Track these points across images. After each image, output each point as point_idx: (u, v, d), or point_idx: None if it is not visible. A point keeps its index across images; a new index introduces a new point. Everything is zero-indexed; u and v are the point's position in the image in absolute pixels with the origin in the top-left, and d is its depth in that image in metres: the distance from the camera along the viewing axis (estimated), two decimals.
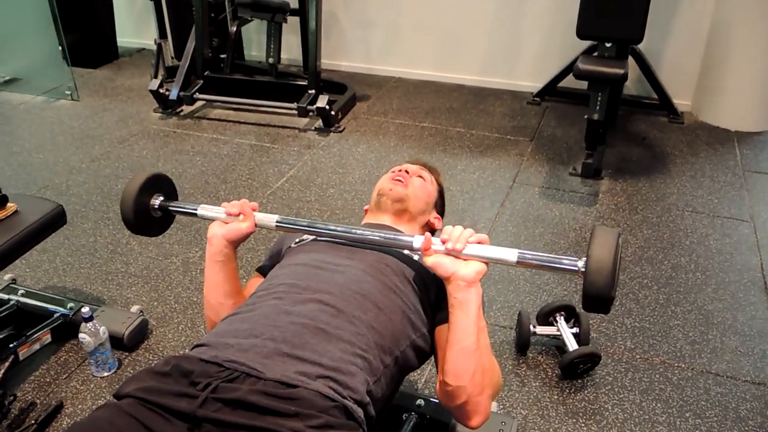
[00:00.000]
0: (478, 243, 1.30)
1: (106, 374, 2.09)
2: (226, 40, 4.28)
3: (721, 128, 3.84)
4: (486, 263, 1.29)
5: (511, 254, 1.28)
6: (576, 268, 1.23)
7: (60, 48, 4.21)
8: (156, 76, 4.38)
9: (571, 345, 2.09)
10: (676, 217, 2.96)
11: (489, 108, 4.17)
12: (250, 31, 4.86)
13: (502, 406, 1.96)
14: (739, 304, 2.39)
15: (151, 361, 2.15)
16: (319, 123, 3.89)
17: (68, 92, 4.32)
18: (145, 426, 1.04)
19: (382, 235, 1.39)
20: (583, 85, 3.14)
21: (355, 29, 4.70)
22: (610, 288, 1.16)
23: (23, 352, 2.10)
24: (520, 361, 2.15)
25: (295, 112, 3.83)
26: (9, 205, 1.99)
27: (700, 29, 3.88)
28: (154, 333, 2.27)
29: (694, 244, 2.75)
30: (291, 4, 4.02)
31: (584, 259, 1.21)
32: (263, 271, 1.54)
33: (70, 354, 2.18)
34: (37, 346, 2.15)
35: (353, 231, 1.41)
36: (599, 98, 3.07)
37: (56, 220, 2.10)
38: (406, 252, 1.43)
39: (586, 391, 2.02)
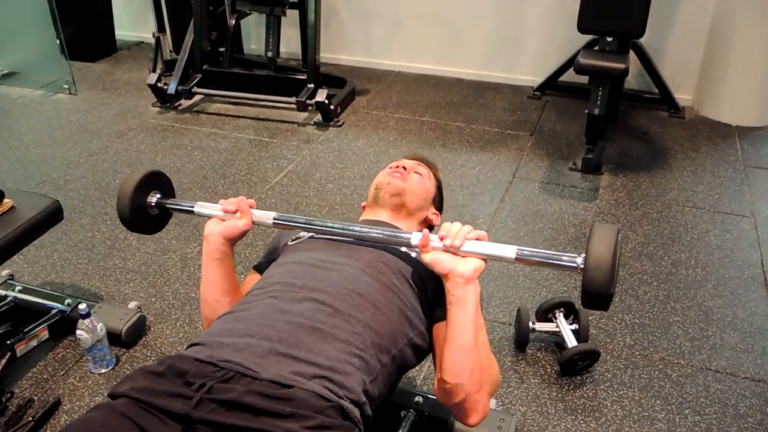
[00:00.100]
0: (477, 239, 1.29)
1: (103, 371, 2.08)
2: (224, 33, 4.26)
3: (722, 123, 3.83)
4: (484, 260, 1.28)
5: (509, 251, 1.27)
6: (575, 265, 1.22)
7: (58, 41, 4.19)
8: (154, 70, 4.35)
9: (570, 342, 2.08)
10: (676, 212, 2.95)
11: (489, 102, 4.15)
12: (249, 25, 4.84)
13: (500, 403, 1.95)
14: (739, 301, 2.38)
15: (148, 358, 2.14)
16: (318, 117, 3.88)
17: (66, 86, 4.30)
18: (139, 427, 1.03)
19: (380, 231, 1.38)
20: (584, 79, 3.13)
21: (354, 23, 4.68)
22: (609, 285, 1.15)
23: (20, 349, 2.09)
24: (519, 357, 2.14)
25: (294, 106, 3.82)
26: (5, 201, 1.98)
27: (702, 23, 3.86)
28: (152, 329, 2.26)
29: (694, 239, 2.74)
30: None
31: (583, 255, 1.20)
32: (260, 268, 1.53)
33: (68, 350, 2.17)
34: (34, 343, 2.14)
35: (351, 228, 1.40)
36: (600, 93, 3.05)
37: (53, 216, 2.09)
38: (403, 249, 1.42)
39: (585, 388, 2.01)
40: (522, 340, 2.14)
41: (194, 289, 2.43)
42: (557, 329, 2.15)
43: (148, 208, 1.54)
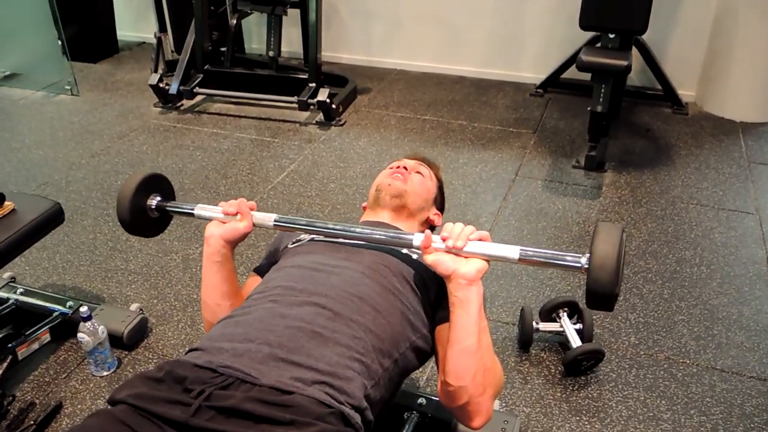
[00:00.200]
0: (479, 240, 1.27)
1: (105, 373, 2.07)
2: (226, 33, 4.26)
3: (726, 119, 3.80)
4: (487, 261, 1.27)
5: (512, 251, 1.26)
6: (579, 265, 1.21)
7: (59, 42, 4.19)
8: (156, 71, 4.35)
9: (575, 341, 2.07)
10: (680, 210, 2.93)
11: (491, 100, 4.13)
12: (250, 24, 4.83)
13: (504, 404, 1.94)
14: (745, 299, 2.36)
15: (150, 360, 2.14)
16: (320, 116, 3.86)
17: (68, 87, 4.30)
18: None
19: (381, 233, 1.37)
20: (587, 76, 3.11)
21: (355, 21, 4.66)
22: (614, 285, 1.13)
23: (22, 352, 2.09)
24: (523, 358, 2.12)
25: (296, 105, 3.81)
26: (6, 203, 1.97)
27: (705, 19, 3.84)
28: (154, 331, 2.25)
29: (698, 237, 2.72)
30: None
31: (587, 255, 1.18)
32: (260, 271, 1.52)
33: (70, 353, 2.16)
34: (36, 346, 2.13)
35: (352, 230, 1.39)
36: (602, 90, 3.03)
37: (54, 218, 2.08)
38: (405, 250, 1.41)
39: (589, 389, 2.00)
40: (526, 340, 2.13)
41: (196, 290, 2.43)
42: (561, 329, 2.14)
43: (148, 210, 1.53)
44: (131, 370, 2.09)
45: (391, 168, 1.63)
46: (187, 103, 4.11)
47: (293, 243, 1.49)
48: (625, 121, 3.81)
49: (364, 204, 1.68)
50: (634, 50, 3.68)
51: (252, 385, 1.08)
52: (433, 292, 1.37)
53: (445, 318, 1.30)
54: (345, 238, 1.41)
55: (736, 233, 2.74)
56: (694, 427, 1.86)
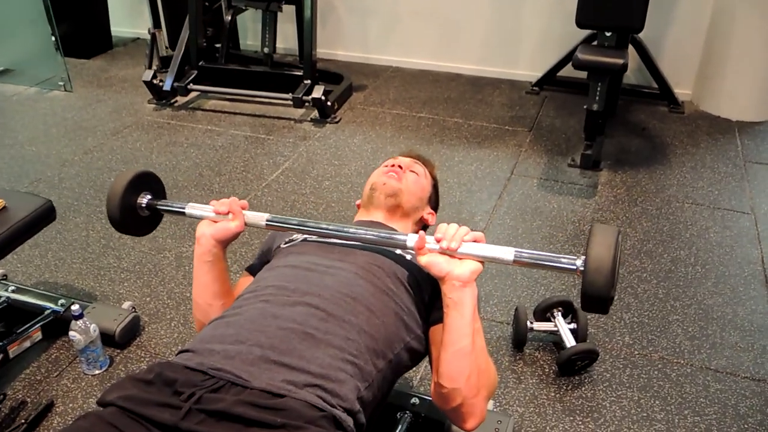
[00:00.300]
0: (474, 241, 1.25)
1: (97, 372, 2.06)
2: (220, 29, 4.23)
3: (722, 118, 3.80)
4: (481, 262, 1.26)
5: (507, 253, 1.24)
6: (574, 267, 1.20)
7: (53, 38, 4.16)
8: (150, 67, 4.33)
9: (569, 341, 2.06)
10: (675, 209, 2.92)
11: (487, 98, 4.12)
12: (245, 20, 4.80)
13: (498, 404, 1.93)
14: (740, 299, 2.36)
15: (143, 359, 2.12)
16: (315, 114, 3.85)
17: (61, 83, 4.27)
18: None
19: (375, 233, 1.35)
20: (583, 74, 3.10)
21: (351, 18, 4.65)
22: (609, 288, 1.13)
23: (13, 350, 2.07)
24: (517, 357, 2.12)
25: (291, 102, 3.79)
26: None
27: (701, 18, 3.83)
28: (146, 329, 2.24)
29: (693, 236, 2.72)
30: None
31: (583, 257, 1.17)
32: (252, 270, 1.51)
33: (61, 351, 2.15)
34: (27, 344, 2.12)
35: (345, 230, 1.37)
36: (599, 88, 3.02)
37: (45, 216, 2.06)
38: (398, 251, 1.40)
39: (583, 388, 1.99)
40: (520, 339, 2.12)
41: (189, 288, 2.41)
42: (555, 329, 2.13)
43: (138, 209, 1.51)
44: (123, 369, 2.08)
45: (386, 166, 1.62)
46: (181, 99, 4.09)
47: (286, 243, 1.48)
48: (621, 120, 3.81)
49: (358, 202, 1.67)
50: (631, 48, 3.68)
51: (243, 388, 1.06)
52: (427, 293, 1.36)
53: (439, 319, 1.28)
54: (338, 239, 1.40)
55: (731, 233, 2.74)
56: (688, 427, 1.86)
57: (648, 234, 2.74)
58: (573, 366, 2.02)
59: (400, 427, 1.66)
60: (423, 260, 1.25)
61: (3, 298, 2.22)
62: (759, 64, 3.65)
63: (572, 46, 3.73)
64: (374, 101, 4.09)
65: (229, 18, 4.22)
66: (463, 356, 1.22)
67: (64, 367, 2.09)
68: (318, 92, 3.69)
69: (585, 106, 3.10)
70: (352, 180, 3.16)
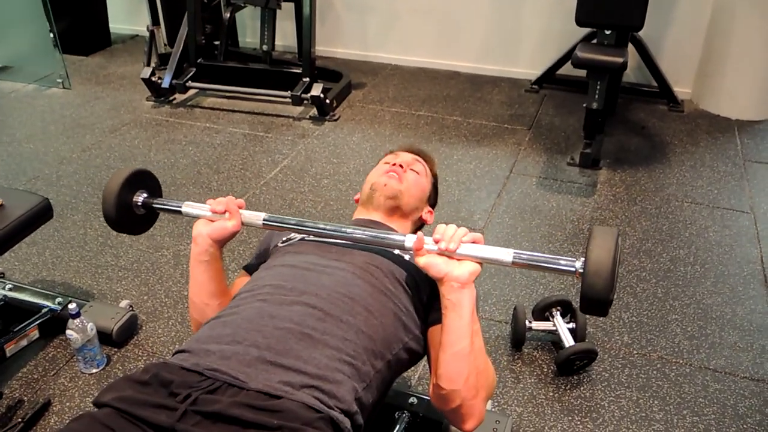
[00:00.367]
0: (472, 242, 1.24)
1: (94, 371, 2.05)
2: (219, 26, 4.22)
3: (722, 117, 3.79)
4: (480, 263, 1.25)
5: (506, 254, 1.23)
6: (573, 269, 1.19)
7: (51, 35, 4.14)
8: (148, 64, 4.32)
9: (568, 341, 2.05)
10: (675, 208, 2.92)
11: (486, 96, 4.11)
12: (244, 17, 4.79)
13: (496, 403, 1.93)
14: (739, 298, 2.35)
15: (140, 357, 2.12)
16: (314, 111, 3.84)
17: (60, 80, 4.26)
18: None
19: (373, 234, 1.34)
20: (582, 72, 3.09)
21: (350, 15, 4.63)
22: (609, 291, 1.12)
23: (10, 349, 2.07)
24: (516, 357, 2.11)
25: (290, 100, 3.78)
26: None
27: (701, 16, 3.83)
28: (144, 328, 2.23)
29: (693, 235, 2.71)
30: None
31: (582, 259, 1.17)
32: (250, 269, 1.50)
33: (59, 350, 2.14)
34: (24, 342, 2.12)
35: (342, 230, 1.36)
36: (598, 87, 3.01)
37: (42, 214, 2.05)
38: (396, 252, 1.39)
39: (582, 388, 1.99)
40: (518, 339, 2.12)
41: (187, 287, 2.36)
42: (554, 328, 2.13)
43: (134, 207, 1.50)
44: (120, 368, 2.07)
45: (387, 163, 1.60)
46: (179, 97, 4.08)
47: (283, 242, 1.47)
48: (620, 118, 3.80)
49: (356, 196, 1.65)
50: (630, 47, 3.67)
51: (239, 389, 1.06)
52: (425, 294, 1.35)
53: (438, 319, 1.28)
54: (336, 239, 1.39)
55: (730, 232, 2.73)
56: (687, 427, 1.86)
57: (647, 233, 2.73)
58: (572, 366, 2.01)
59: (398, 426, 1.66)
60: (421, 261, 1.24)
61: (0, 297, 2.21)
62: (759, 62, 3.64)
63: (572, 45, 3.72)
64: (373, 99, 4.08)
65: (228, 15, 4.21)
66: (461, 358, 1.21)
67: (61, 365, 2.08)
68: (317, 90, 3.68)
69: (584, 105, 3.10)
70: (350, 178, 3.15)
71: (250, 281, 1.37)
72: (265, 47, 4.05)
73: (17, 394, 1.96)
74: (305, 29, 3.82)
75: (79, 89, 4.25)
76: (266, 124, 3.75)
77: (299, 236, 1.46)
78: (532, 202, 2.96)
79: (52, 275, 2.50)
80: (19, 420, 1.85)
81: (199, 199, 2.85)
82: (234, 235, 1.41)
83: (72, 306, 1.96)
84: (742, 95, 3.76)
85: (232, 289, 1.47)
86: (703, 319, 2.25)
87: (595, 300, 1.13)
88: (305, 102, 3.77)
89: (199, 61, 4.07)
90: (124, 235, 2.67)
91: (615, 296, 2.15)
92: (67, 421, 1.27)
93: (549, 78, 4.15)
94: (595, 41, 3.31)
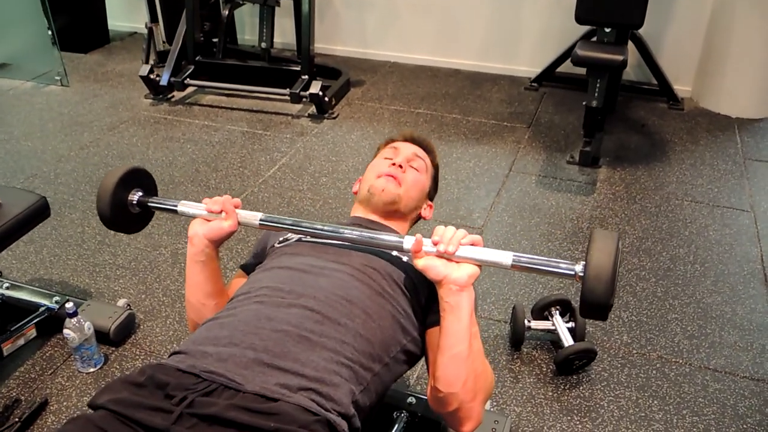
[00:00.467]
0: (471, 245, 1.23)
1: (92, 370, 2.04)
2: (218, 23, 4.20)
3: (722, 115, 3.78)
4: (479, 266, 1.23)
5: (505, 257, 1.22)
6: (573, 273, 1.18)
7: (49, 32, 4.12)
8: (147, 61, 4.30)
9: (567, 340, 2.04)
10: (675, 206, 2.91)
11: (486, 94, 4.10)
12: (242, 15, 4.78)
13: (495, 403, 1.92)
14: (739, 297, 2.34)
15: (137, 356, 2.11)
16: (313, 109, 3.83)
17: (58, 78, 4.24)
18: None
19: (371, 235, 1.33)
20: (582, 70, 3.08)
21: (349, 13, 4.62)
22: (609, 296, 1.11)
23: (7, 348, 2.06)
24: (515, 356, 2.10)
25: (288, 98, 3.76)
26: None
27: (701, 14, 3.81)
28: (142, 327, 2.22)
29: (693, 234, 2.71)
30: None
31: (582, 263, 1.16)
32: (247, 269, 1.49)
33: (56, 349, 2.13)
34: (21, 341, 2.11)
35: (340, 231, 1.35)
36: (598, 85, 3.00)
37: (39, 212, 2.04)
38: (395, 253, 1.37)
39: (581, 388, 1.98)
40: (517, 338, 2.11)
41: (185, 285, 2.38)
42: (553, 327, 2.12)
43: (129, 206, 1.49)
44: (118, 367, 2.06)
45: (386, 158, 1.57)
46: (178, 94, 4.07)
47: (280, 242, 1.46)
48: (620, 116, 3.79)
49: (354, 188, 1.63)
50: (630, 44, 3.66)
51: (236, 392, 1.05)
52: (423, 296, 1.34)
53: (436, 322, 1.27)
54: (333, 240, 1.37)
55: (730, 231, 2.72)
56: (687, 427, 1.85)
57: (647, 232, 2.73)
58: (571, 365, 2.00)
59: (396, 426, 1.65)
60: (420, 263, 1.23)
61: None
62: (759, 61, 3.63)
63: (571, 42, 3.70)
64: (372, 97, 4.06)
65: (227, 12, 4.19)
66: (460, 361, 1.20)
67: (59, 365, 2.07)
68: (315, 88, 3.67)
69: (584, 103, 3.09)
70: (349, 176, 3.14)
71: (246, 283, 1.36)
72: (263, 45, 4.04)
73: (14, 394, 1.95)
74: (304, 26, 3.80)
75: (78, 87, 4.24)
76: (265, 122, 3.74)
77: (296, 236, 1.45)
78: (531, 201, 2.95)
79: (50, 274, 2.49)
80: (16, 419, 1.84)
81: (198, 197, 2.85)
82: (230, 236, 1.40)
83: (69, 305, 1.95)
84: (742, 93, 3.75)
85: (229, 289, 1.46)
86: (703, 319, 2.24)
87: (595, 304, 1.12)
88: (304, 100, 3.76)
89: (197, 58, 4.06)
90: (122, 234, 2.67)
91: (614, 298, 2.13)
92: (64, 422, 1.27)
93: (549, 76, 4.14)
94: (595, 39, 3.30)
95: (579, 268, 1.16)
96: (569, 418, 1.88)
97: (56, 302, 2.17)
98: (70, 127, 3.68)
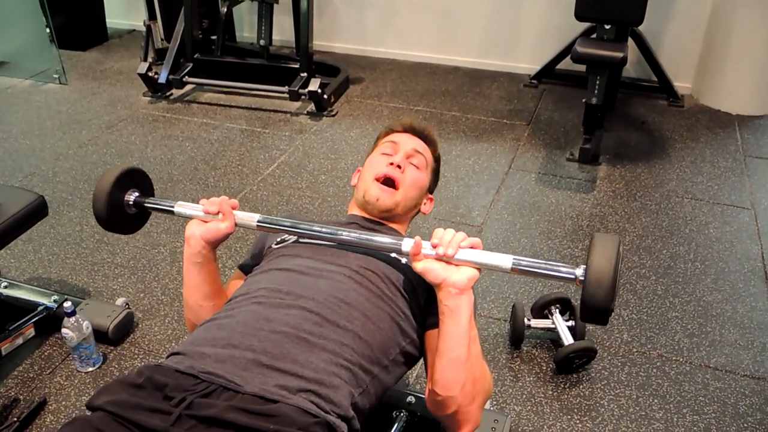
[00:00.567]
0: (471, 247, 1.22)
1: (90, 369, 2.04)
2: (216, 21, 4.19)
3: (722, 112, 3.77)
4: (479, 269, 1.22)
5: (505, 260, 1.21)
6: (573, 277, 1.16)
7: (48, 30, 4.12)
8: (145, 59, 4.29)
9: (567, 339, 2.04)
10: (675, 204, 2.90)
11: (485, 91, 4.09)
12: (241, 12, 4.76)
13: (494, 402, 1.91)
14: (739, 295, 2.34)
15: (136, 355, 2.10)
16: (312, 107, 3.82)
17: (56, 76, 4.23)
18: None
19: (369, 238, 1.31)
20: (582, 67, 3.06)
21: (348, 10, 4.60)
22: (610, 301, 1.10)
23: (6, 347, 2.06)
24: (514, 355, 2.10)
25: (287, 95, 3.75)
26: None
27: (702, 10, 3.80)
28: (140, 326, 2.22)
29: (693, 232, 2.70)
30: None
31: (583, 267, 1.14)
32: (245, 269, 1.48)
33: (54, 348, 2.13)
34: (20, 341, 2.10)
35: (338, 233, 1.33)
36: (598, 82, 2.99)
37: (37, 211, 2.03)
38: (393, 255, 1.36)
39: (581, 386, 1.98)
40: (517, 336, 2.10)
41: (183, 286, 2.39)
42: (553, 326, 2.11)
43: (125, 207, 1.48)
44: (117, 366, 2.05)
45: (385, 154, 1.52)
46: (176, 92, 4.05)
47: (277, 243, 1.44)
48: (620, 113, 3.78)
49: (353, 181, 1.60)
50: (630, 41, 3.65)
51: (235, 393, 1.04)
52: (422, 297, 1.33)
53: (435, 324, 1.25)
54: (331, 242, 1.36)
55: (731, 228, 2.72)
56: (687, 426, 1.84)
57: (647, 229, 2.72)
58: (571, 364, 2.00)
59: (396, 425, 1.64)
60: (419, 266, 1.21)
61: None
62: (759, 57, 3.62)
63: (571, 39, 3.69)
64: (371, 94, 4.05)
65: (225, 10, 4.18)
66: (458, 365, 1.19)
67: (57, 364, 2.06)
68: (314, 85, 3.66)
69: (584, 100, 3.08)
70: (348, 174, 3.13)
71: (244, 284, 1.35)
72: (262, 42, 4.03)
73: (13, 393, 1.95)
74: (302, 23, 3.79)
75: (76, 85, 4.23)
76: (263, 120, 3.73)
77: (294, 237, 1.43)
78: (531, 198, 2.94)
79: (48, 272, 2.48)
80: (15, 419, 1.84)
81: (196, 195, 2.85)
82: (227, 237, 1.38)
83: (67, 304, 1.94)
84: (742, 90, 3.74)
85: (228, 289, 1.45)
86: (704, 317, 2.24)
87: (595, 309, 1.11)
88: (303, 97, 3.75)
89: (196, 56, 4.04)
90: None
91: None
92: (61, 425, 1.26)
93: (548, 73, 4.13)
94: (594, 36, 3.29)
95: (579, 272, 1.15)
96: (569, 417, 1.87)
97: (54, 301, 2.17)
98: (69, 125, 3.67)
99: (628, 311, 2.27)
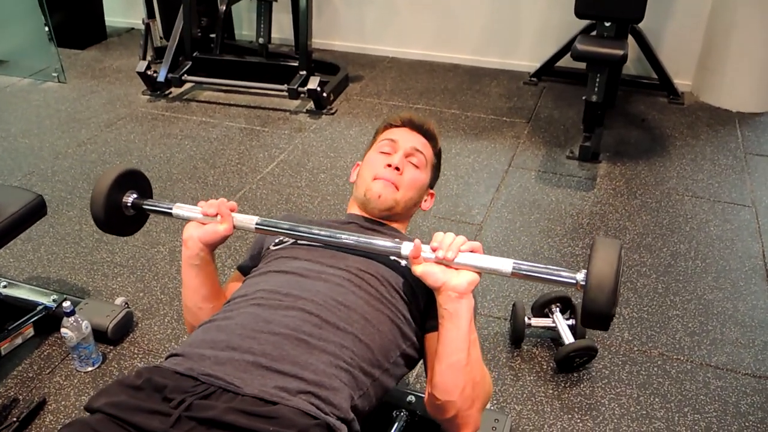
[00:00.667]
0: (471, 251, 1.21)
1: (90, 369, 2.03)
2: (215, 19, 4.18)
3: (723, 109, 3.76)
4: (479, 273, 1.21)
5: (505, 264, 1.20)
6: (574, 282, 1.16)
7: (46, 28, 4.10)
8: (144, 58, 4.28)
9: (567, 338, 2.03)
10: (675, 202, 2.89)
11: (485, 89, 4.08)
12: (240, 10, 4.75)
13: (495, 402, 1.91)
14: (740, 293, 2.33)
15: (136, 355, 2.10)
16: (311, 105, 3.81)
17: (55, 74, 4.21)
18: None
19: (368, 241, 1.30)
20: (582, 64, 3.06)
21: (348, 7, 4.59)
22: (611, 306, 1.09)
23: (5, 347, 2.06)
24: (515, 353, 2.09)
25: (286, 94, 3.75)
26: None
27: (702, 7, 3.79)
28: (140, 325, 2.21)
29: (693, 230, 2.69)
30: None
31: (584, 272, 1.13)
32: (243, 270, 1.47)
33: (54, 348, 2.12)
34: (19, 341, 2.10)
35: (337, 236, 1.32)
36: (598, 79, 2.98)
37: (36, 211, 2.03)
38: (392, 257, 1.35)
39: (582, 386, 1.97)
40: (517, 335, 2.10)
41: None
42: (553, 325, 2.10)
43: (123, 208, 1.47)
44: (116, 366, 2.05)
45: (383, 153, 1.51)
46: (175, 90, 4.04)
47: (275, 244, 1.43)
48: (620, 111, 3.77)
49: (352, 177, 1.60)
50: (630, 39, 3.64)
51: (234, 395, 1.04)
52: (422, 300, 1.32)
53: (434, 327, 1.25)
54: (330, 244, 1.35)
55: (731, 226, 2.71)
56: (688, 425, 1.84)
57: (647, 227, 2.71)
58: (571, 363, 2.00)
59: (396, 425, 1.64)
60: (418, 270, 1.21)
61: None
62: (760, 54, 3.61)
63: (571, 37, 3.68)
64: (371, 92, 4.04)
65: (224, 8, 4.16)
66: (458, 369, 1.19)
67: (57, 363, 2.06)
68: (314, 83, 3.65)
69: (584, 97, 3.07)
70: (347, 172, 3.11)
71: (243, 286, 1.34)
72: (261, 40, 4.02)
73: (12, 393, 1.95)
74: (302, 21, 3.78)
75: (75, 83, 4.21)
76: (263, 118, 3.72)
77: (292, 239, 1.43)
78: (531, 196, 2.93)
79: (47, 272, 2.47)
80: (14, 419, 1.84)
81: (195, 194, 2.84)
82: (225, 239, 1.38)
83: (66, 304, 1.94)
84: (742, 87, 3.73)
85: (227, 290, 1.45)
86: (704, 315, 2.23)
87: (596, 315, 1.10)
88: (302, 95, 3.74)
89: (195, 54, 4.03)
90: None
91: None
92: (60, 427, 1.25)
93: (548, 70, 4.12)
94: (594, 33, 3.27)
95: (580, 276, 1.14)
96: (570, 416, 1.87)
97: (54, 301, 2.16)
98: (68, 124, 3.66)
99: (629, 310, 2.26)
